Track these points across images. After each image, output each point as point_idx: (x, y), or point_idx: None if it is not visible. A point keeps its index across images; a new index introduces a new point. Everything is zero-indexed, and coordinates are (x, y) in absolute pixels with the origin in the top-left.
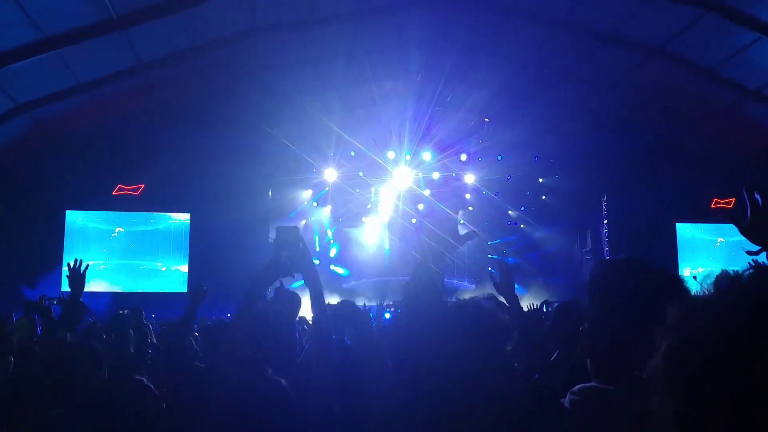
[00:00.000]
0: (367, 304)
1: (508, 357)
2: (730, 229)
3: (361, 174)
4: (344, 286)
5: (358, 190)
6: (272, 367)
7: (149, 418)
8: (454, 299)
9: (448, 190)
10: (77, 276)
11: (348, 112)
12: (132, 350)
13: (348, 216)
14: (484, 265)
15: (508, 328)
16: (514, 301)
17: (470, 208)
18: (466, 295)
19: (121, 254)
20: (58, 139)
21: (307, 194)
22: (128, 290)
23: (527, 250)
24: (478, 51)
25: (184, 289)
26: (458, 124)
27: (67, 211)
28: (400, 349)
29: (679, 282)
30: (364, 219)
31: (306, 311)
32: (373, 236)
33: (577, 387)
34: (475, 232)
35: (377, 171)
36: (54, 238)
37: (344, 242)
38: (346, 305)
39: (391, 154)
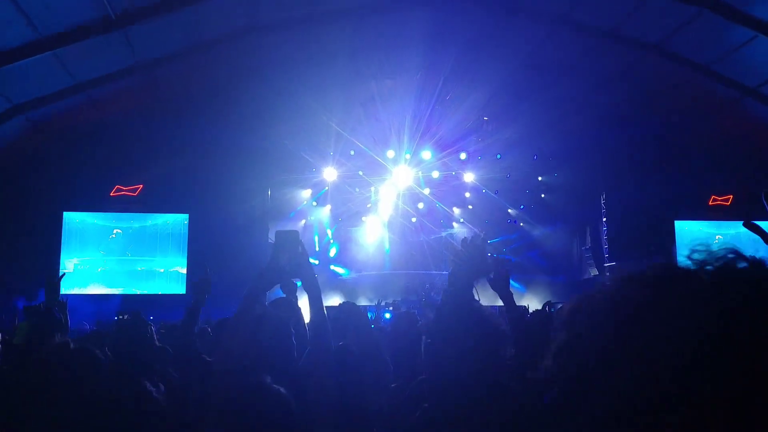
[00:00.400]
0: (367, 305)
1: (505, 360)
2: (729, 225)
3: (360, 173)
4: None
5: (357, 190)
6: (270, 373)
7: (150, 423)
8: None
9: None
10: (51, 284)
11: (348, 110)
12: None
13: (348, 215)
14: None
15: (505, 333)
16: (509, 299)
17: (470, 207)
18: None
19: (119, 256)
20: (55, 139)
21: (306, 194)
22: (126, 292)
23: (527, 249)
24: (478, 49)
25: (182, 290)
26: (458, 122)
27: (64, 213)
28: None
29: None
30: (363, 218)
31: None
32: (373, 235)
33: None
34: (481, 237)
35: (377, 170)
36: (51, 239)
37: (344, 242)
38: (346, 308)
39: (390, 153)
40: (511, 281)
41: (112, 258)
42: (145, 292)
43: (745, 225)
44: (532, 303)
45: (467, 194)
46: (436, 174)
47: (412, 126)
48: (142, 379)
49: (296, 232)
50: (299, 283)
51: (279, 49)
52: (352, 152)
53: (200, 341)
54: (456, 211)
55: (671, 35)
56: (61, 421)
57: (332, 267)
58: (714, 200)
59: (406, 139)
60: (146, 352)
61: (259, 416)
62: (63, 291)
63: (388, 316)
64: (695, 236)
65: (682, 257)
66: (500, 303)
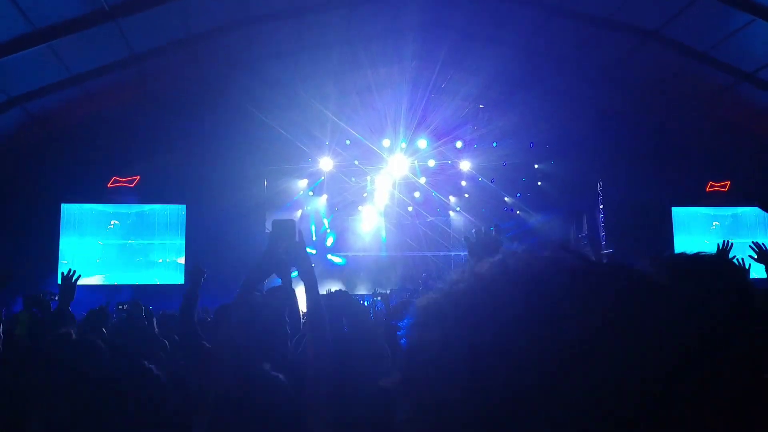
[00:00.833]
0: (364, 293)
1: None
2: (726, 212)
3: (356, 162)
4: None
5: (353, 179)
6: (268, 360)
7: (155, 405)
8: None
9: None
10: (68, 286)
11: (343, 99)
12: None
13: (344, 205)
14: None
15: None
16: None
17: (466, 195)
18: None
19: (117, 247)
20: (51, 132)
21: (302, 183)
22: (125, 282)
23: (524, 237)
24: (474, 37)
25: (181, 280)
26: (454, 111)
27: (62, 204)
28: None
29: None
30: (360, 207)
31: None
32: (370, 224)
33: None
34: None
35: (373, 159)
36: (49, 231)
37: (341, 231)
38: (339, 295)
39: (386, 142)
40: None
41: (110, 249)
42: (144, 282)
43: (758, 205)
44: None
45: (463, 183)
46: (432, 163)
47: (408, 115)
48: (142, 360)
49: (293, 221)
50: (295, 273)
51: (273, 39)
52: (348, 142)
53: (201, 329)
54: (452, 199)
55: (668, 22)
56: (64, 409)
57: (329, 256)
58: (711, 186)
59: (402, 128)
60: (146, 339)
61: (258, 402)
62: (58, 282)
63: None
64: (693, 222)
65: (680, 244)
66: None
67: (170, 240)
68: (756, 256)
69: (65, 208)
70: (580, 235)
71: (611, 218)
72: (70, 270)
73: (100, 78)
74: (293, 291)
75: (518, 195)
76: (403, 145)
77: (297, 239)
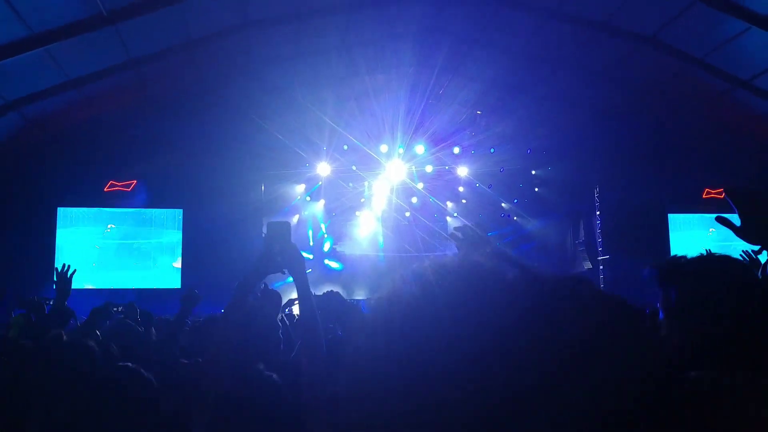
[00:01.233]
0: (361, 299)
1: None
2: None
3: (354, 168)
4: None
5: (351, 184)
6: (262, 363)
7: (148, 407)
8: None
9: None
10: (64, 281)
11: (341, 104)
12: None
13: (341, 210)
14: None
15: None
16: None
17: (463, 201)
18: None
19: (114, 251)
20: (48, 136)
21: (300, 188)
22: (121, 287)
23: (521, 242)
24: (471, 43)
25: (177, 285)
26: (451, 116)
27: (58, 208)
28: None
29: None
30: (357, 213)
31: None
32: (367, 230)
33: None
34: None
35: (370, 164)
36: (46, 234)
37: (338, 236)
38: (330, 297)
39: (384, 148)
40: None
41: (106, 253)
42: (140, 286)
43: (717, 220)
44: None
45: (461, 188)
46: (429, 168)
47: (406, 120)
48: (134, 363)
49: (288, 223)
50: (290, 279)
51: (271, 45)
52: (346, 147)
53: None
54: (449, 205)
55: (663, 27)
56: (58, 409)
57: (326, 261)
58: (708, 193)
59: (400, 133)
60: (140, 342)
61: (255, 403)
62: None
63: None
64: (690, 228)
65: (676, 248)
66: None
67: (167, 244)
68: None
69: (62, 211)
70: (576, 241)
71: (608, 223)
72: (64, 265)
73: (98, 82)
74: (277, 293)
75: (515, 201)
76: (401, 150)
77: (291, 241)
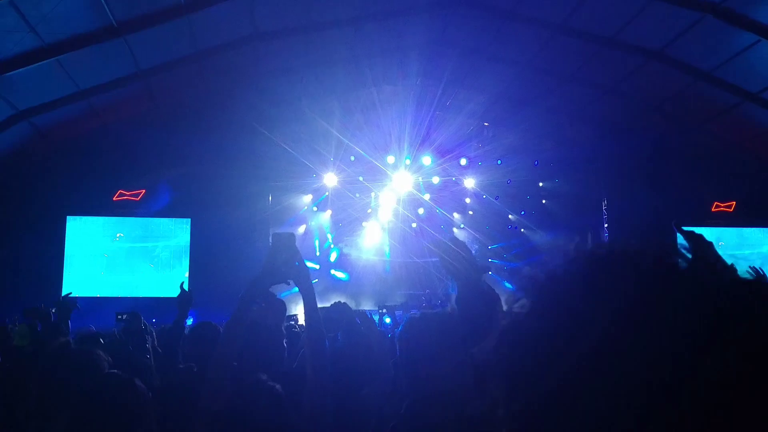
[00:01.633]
0: (369, 309)
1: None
2: (731, 233)
3: (360, 179)
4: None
5: (358, 195)
6: (264, 372)
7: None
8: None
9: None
10: (63, 310)
11: (348, 116)
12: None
13: (348, 221)
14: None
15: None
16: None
17: (470, 213)
18: None
19: (121, 260)
20: (58, 145)
21: (307, 199)
22: (128, 295)
23: (528, 255)
24: (478, 56)
25: None
26: (458, 128)
27: (68, 217)
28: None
29: None
30: (364, 224)
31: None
32: (374, 241)
33: None
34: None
35: (377, 175)
36: (55, 243)
37: (344, 246)
38: (338, 308)
39: (390, 159)
40: (506, 283)
41: (114, 262)
42: (147, 295)
43: (674, 225)
44: None
45: (468, 200)
46: (436, 179)
47: (412, 132)
48: (134, 377)
49: (292, 234)
50: (296, 289)
51: (279, 57)
52: (353, 158)
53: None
54: (456, 216)
55: (672, 41)
56: (60, 418)
57: (332, 272)
58: (717, 206)
59: (407, 144)
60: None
61: (255, 411)
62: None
63: (388, 321)
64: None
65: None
66: None
67: (175, 253)
68: None
69: (71, 220)
70: None
71: (616, 237)
72: (67, 296)
73: (108, 93)
74: (282, 303)
75: (522, 212)
76: (408, 161)
77: (296, 252)
